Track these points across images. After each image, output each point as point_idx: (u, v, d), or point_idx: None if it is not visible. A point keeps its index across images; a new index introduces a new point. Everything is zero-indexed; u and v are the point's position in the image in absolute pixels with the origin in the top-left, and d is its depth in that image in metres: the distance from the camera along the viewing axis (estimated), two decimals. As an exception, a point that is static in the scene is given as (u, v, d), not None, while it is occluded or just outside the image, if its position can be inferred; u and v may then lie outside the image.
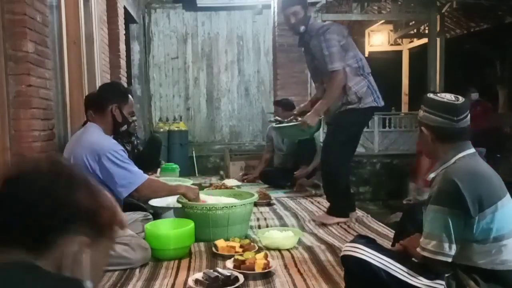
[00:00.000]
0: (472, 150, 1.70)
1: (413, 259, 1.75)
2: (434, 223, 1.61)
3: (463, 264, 1.62)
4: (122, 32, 5.42)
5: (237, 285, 2.00)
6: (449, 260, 1.60)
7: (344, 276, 1.88)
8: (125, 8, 5.76)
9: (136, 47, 7.52)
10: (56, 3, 3.36)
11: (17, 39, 2.50)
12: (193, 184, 3.19)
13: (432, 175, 1.73)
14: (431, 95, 1.74)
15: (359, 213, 3.64)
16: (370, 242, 1.79)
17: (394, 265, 1.65)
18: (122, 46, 5.46)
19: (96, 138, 2.46)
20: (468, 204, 1.54)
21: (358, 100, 3.13)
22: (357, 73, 3.17)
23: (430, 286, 1.62)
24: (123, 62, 5.48)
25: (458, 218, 1.56)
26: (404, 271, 1.65)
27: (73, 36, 3.70)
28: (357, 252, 1.69)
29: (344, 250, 1.76)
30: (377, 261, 1.66)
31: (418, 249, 1.67)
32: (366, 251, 1.68)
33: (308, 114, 3.19)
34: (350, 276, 1.80)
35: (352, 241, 1.81)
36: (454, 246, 1.58)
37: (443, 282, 1.61)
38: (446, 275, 1.63)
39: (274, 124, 3.15)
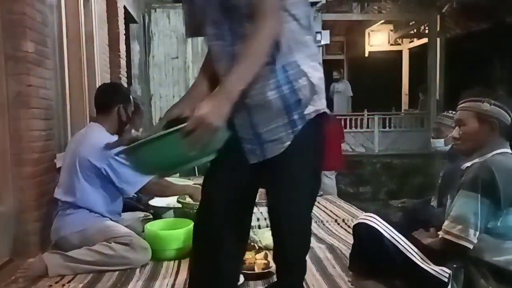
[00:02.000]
0: (509, 150, 1.74)
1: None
2: (464, 208, 1.62)
3: (478, 257, 1.63)
4: (122, 32, 5.42)
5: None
6: (471, 247, 1.60)
7: (352, 246, 1.87)
8: (125, 7, 5.76)
9: (136, 47, 7.51)
10: (56, 3, 3.35)
11: (17, 39, 2.50)
12: (194, 184, 3.19)
13: (467, 164, 1.74)
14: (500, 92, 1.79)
15: (359, 213, 3.63)
16: (385, 218, 1.79)
17: (405, 242, 1.66)
18: (122, 46, 5.46)
19: (99, 138, 2.46)
20: (500, 195, 1.57)
21: (311, 97, 1.39)
22: (308, 43, 1.43)
23: (436, 271, 1.61)
24: (123, 62, 5.47)
25: (488, 208, 1.58)
26: (413, 250, 1.65)
27: (73, 36, 3.70)
28: (371, 221, 1.70)
29: (359, 219, 1.77)
30: (389, 234, 1.66)
31: (440, 233, 1.68)
32: (381, 222, 1.69)
33: (205, 101, 1.23)
34: (358, 244, 1.80)
35: (367, 213, 1.81)
36: (477, 234, 1.60)
37: (449, 271, 1.61)
38: (455, 266, 1.63)
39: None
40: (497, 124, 1.71)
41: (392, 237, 1.66)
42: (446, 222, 1.67)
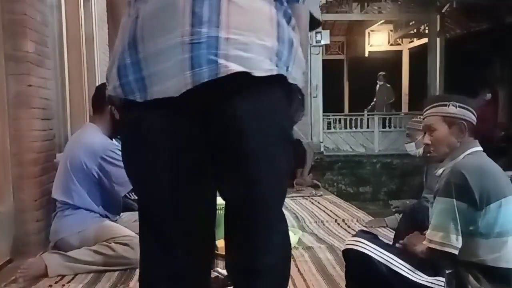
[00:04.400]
0: (480, 148, 1.75)
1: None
2: (442, 215, 1.63)
3: (466, 260, 1.63)
4: (122, 32, 5.42)
5: (237, 285, 2.00)
6: (456, 252, 1.61)
7: (345, 271, 1.88)
8: (125, 8, 5.76)
9: (136, 47, 7.51)
10: (56, 3, 3.36)
11: (17, 39, 2.50)
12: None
13: (440, 171, 1.76)
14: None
15: (359, 213, 3.64)
16: (372, 238, 1.79)
17: (396, 261, 1.66)
18: (122, 46, 5.46)
19: (92, 138, 2.46)
20: (476, 196, 1.57)
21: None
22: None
23: (431, 282, 1.62)
24: (123, 62, 5.47)
25: (465, 211, 1.59)
26: (405, 266, 1.66)
27: (73, 36, 3.70)
28: (359, 246, 1.70)
29: (346, 244, 1.77)
30: (379, 255, 1.67)
31: (424, 242, 1.68)
32: (368, 245, 1.69)
33: None
34: (351, 270, 1.80)
35: (354, 236, 1.82)
36: (460, 238, 1.60)
37: (443, 279, 1.62)
38: (447, 271, 1.64)
39: None
40: (465, 125, 1.74)
41: (383, 257, 1.67)
42: (428, 231, 1.68)
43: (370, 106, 10.75)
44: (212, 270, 2.09)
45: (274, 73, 0.98)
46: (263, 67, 0.97)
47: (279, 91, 1.03)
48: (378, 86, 10.82)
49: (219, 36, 0.96)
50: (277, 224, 1.12)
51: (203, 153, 1.04)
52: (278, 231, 1.12)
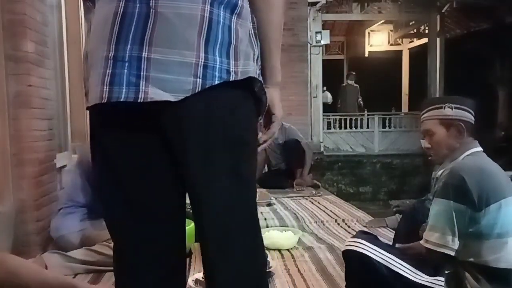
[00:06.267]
0: (480, 148, 1.74)
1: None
2: (438, 216, 1.63)
3: (466, 260, 1.63)
4: (122, 32, 5.42)
5: (237, 285, 1.99)
6: (452, 253, 1.61)
7: (345, 272, 1.88)
8: (125, 8, 5.77)
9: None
10: (56, 3, 3.36)
11: (17, 39, 2.50)
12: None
13: (439, 172, 1.76)
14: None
15: (359, 213, 3.64)
16: (372, 238, 1.80)
17: (395, 261, 1.67)
18: (122, 46, 5.46)
19: None
20: (474, 198, 1.56)
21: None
22: None
23: (430, 282, 1.63)
24: (123, 62, 5.48)
25: (463, 212, 1.58)
26: (404, 266, 1.66)
27: (73, 36, 3.70)
28: (358, 247, 1.70)
29: (346, 245, 1.78)
30: (378, 256, 1.67)
31: (421, 241, 1.68)
32: (368, 246, 1.69)
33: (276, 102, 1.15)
34: (351, 271, 1.80)
35: (354, 236, 1.82)
36: (456, 240, 1.60)
37: (443, 279, 1.62)
38: (446, 271, 1.64)
39: None
40: (463, 126, 1.72)
41: (382, 258, 1.67)
42: (425, 231, 1.68)
43: (339, 106, 10.74)
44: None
45: (198, 89, 0.95)
46: (183, 88, 0.95)
47: (218, 97, 0.99)
48: (345, 85, 10.70)
49: (142, 56, 0.95)
50: (239, 236, 1.04)
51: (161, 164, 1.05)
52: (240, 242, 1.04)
